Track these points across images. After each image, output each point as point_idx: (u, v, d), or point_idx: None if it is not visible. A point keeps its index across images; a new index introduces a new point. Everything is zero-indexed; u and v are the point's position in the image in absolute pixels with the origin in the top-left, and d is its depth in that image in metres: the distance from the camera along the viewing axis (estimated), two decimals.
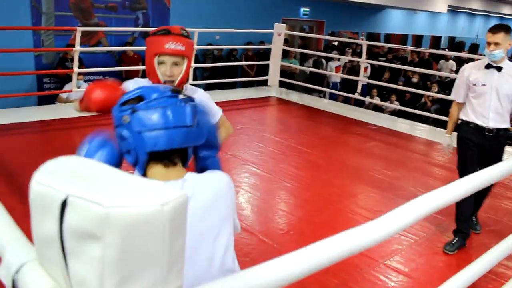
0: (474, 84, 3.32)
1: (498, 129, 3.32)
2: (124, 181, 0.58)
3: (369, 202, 4.08)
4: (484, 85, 3.29)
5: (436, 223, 3.78)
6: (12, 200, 3.40)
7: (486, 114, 3.31)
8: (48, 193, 0.55)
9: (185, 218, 0.58)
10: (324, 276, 2.98)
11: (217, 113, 2.00)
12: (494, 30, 3.22)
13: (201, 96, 1.96)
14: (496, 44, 3.19)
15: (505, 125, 3.35)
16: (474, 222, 3.73)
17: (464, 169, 3.54)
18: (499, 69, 3.26)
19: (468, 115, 3.42)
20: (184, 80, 1.89)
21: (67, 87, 7.29)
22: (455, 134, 3.60)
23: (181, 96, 1.22)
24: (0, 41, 6.65)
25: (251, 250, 3.24)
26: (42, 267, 0.60)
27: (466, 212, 3.43)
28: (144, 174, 1.20)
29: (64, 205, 0.54)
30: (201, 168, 1.43)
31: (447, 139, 3.70)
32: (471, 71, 3.36)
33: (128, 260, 0.54)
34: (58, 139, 5.23)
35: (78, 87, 6.64)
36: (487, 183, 1.41)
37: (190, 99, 1.25)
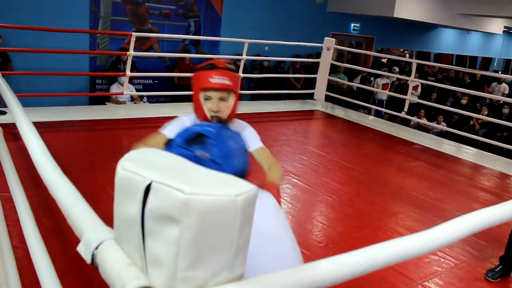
0: None
1: None
2: (201, 173, 0.65)
3: (409, 222, 4.03)
4: None
5: (479, 249, 3.69)
6: None
7: None
8: (133, 179, 0.62)
9: (254, 210, 0.64)
10: None
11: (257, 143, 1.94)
12: None
13: (249, 132, 1.94)
14: None
15: None
16: None
17: None
18: None
19: None
20: (232, 115, 1.85)
21: (113, 87, 7.58)
22: None
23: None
24: (59, 42, 7.02)
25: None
26: (119, 245, 0.67)
27: None
28: None
29: (147, 190, 0.60)
30: None
31: None
32: None
33: (201, 244, 0.60)
34: (106, 138, 5.44)
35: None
36: None
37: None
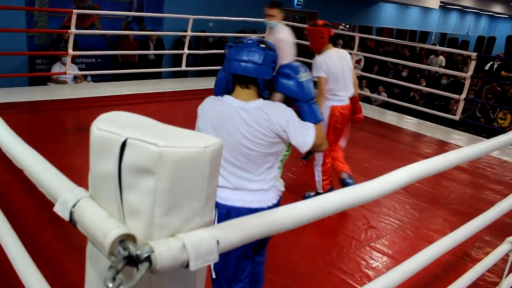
0: None
1: None
2: (171, 129, 0.70)
3: None
4: None
5: (419, 210, 3.95)
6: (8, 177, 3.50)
7: None
8: (108, 137, 0.66)
9: (220, 161, 0.71)
10: (313, 255, 3.12)
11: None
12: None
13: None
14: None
15: None
16: None
17: None
18: None
19: None
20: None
21: (55, 66, 7.33)
22: None
23: (262, 45, 1.85)
24: None
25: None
26: (96, 202, 0.72)
27: None
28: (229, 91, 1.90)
29: (123, 146, 0.66)
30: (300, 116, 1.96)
31: None
32: None
33: (175, 192, 0.66)
34: (50, 120, 5.30)
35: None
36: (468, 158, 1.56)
37: (270, 49, 1.86)
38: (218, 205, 1.89)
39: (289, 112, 1.88)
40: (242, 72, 1.82)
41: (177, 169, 0.64)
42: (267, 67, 1.84)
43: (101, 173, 0.68)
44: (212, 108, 1.93)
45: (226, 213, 1.88)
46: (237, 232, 0.74)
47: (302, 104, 1.94)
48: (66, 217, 0.71)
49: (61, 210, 0.72)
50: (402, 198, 4.08)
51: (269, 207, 1.90)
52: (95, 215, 0.67)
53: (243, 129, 1.83)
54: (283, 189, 2.04)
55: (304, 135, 1.87)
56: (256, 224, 0.78)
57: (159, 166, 0.64)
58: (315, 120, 1.94)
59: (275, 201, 1.96)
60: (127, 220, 0.67)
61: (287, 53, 4.16)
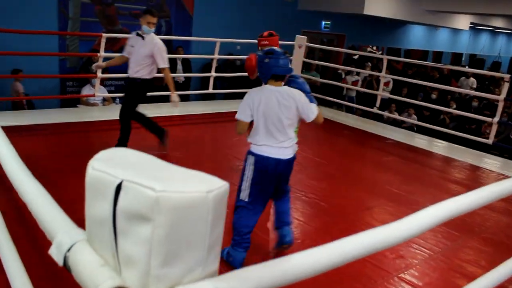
0: None
1: None
2: (172, 169, 0.64)
3: (384, 215, 4.09)
4: None
5: (452, 239, 3.78)
6: None
7: None
8: (103, 178, 0.61)
9: (226, 205, 0.64)
10: (339, 286, 3.00)
11: None
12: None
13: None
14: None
15: None
16: None
17: None
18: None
19: None
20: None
21: (84, 89, 7.46)
22: None
23: (286, 54, 2.88)
24: (27, 44, 6.86)
25: (266, 258, 3.27)
26: (92, 246, 0.66)
27: None
28: (266, 83, 2.84)
29: (118, 189, 0.60)
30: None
31: None
32: None
33: (174, 241, 0.60)
34: (78, 142, 5.35)
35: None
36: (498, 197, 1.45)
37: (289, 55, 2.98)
38: (268, 158, 2.81)
39: (303, 95, 2.90)
40: (284, 73, 2.85)
41: (175, 216, 0.58)
42: (291, 68, 2.94)
43: (97, 216, 0.63)
44: (258, 94, 2.82)
45: (275, 163, 2.82)
46: (244, 284, 0.66)
47: (307, 94, 3.07)
48: (60, 262, 0.66)
49: (56, 254, 0.67)
50: None
51: (294, 157, 2.94)
52: (89, 262, 0.61)
53: (279, 104, 2.78)
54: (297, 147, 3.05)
55: (309, 111, 2.91)
56: (267, 274, 0.70)
57: (155, 213, 0.57)
58: (313, 102, 3.10)
59: (294, 154, 2.95)
60: (123, 269, 0.61)
61: (164, 56, 4.70)
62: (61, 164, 4.47)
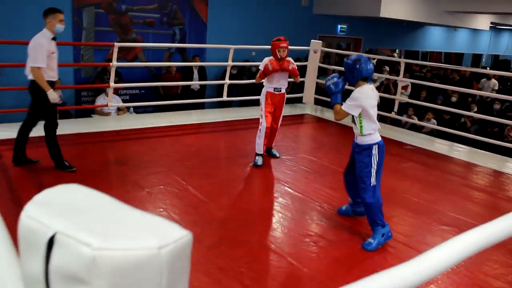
0: None
1: None
2: (122, 216, 0.52)
3: (404, 226, 3.92)
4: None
5: None
6: None
7: None
8: (36, 228, 0.49)
9: (188, 261, 0.51)
10: None
11: None
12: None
13: None
14: None
15: None
16: None
17: None
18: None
19: None
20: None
21: (99, 98, 7.43)
22: None
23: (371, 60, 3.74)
24: None
25: (279, 273, 3.13)
26: None
27: None
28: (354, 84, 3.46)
29: (51, 243, 0.48)
30: None
31: None
32: None
33: None
34: (89, 152, 5.29)
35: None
36: None
37: None
38: (379, 141, 3.52)
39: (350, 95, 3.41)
40: (372, 75, 3.48)
41: (117, 281, 0.45)
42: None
43: (31, 274, 0.51)
44: (371, 91, 3.47)
45: (382, 144, 3.52)
46: None
47: (330, 95, 3.59)
48: None
49: None
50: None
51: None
52: None
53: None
54: None
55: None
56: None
57: (92, 276, 0.44)
58: (332, 103, 3.57)
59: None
60: None
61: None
62: (74, 176, 4.41)
